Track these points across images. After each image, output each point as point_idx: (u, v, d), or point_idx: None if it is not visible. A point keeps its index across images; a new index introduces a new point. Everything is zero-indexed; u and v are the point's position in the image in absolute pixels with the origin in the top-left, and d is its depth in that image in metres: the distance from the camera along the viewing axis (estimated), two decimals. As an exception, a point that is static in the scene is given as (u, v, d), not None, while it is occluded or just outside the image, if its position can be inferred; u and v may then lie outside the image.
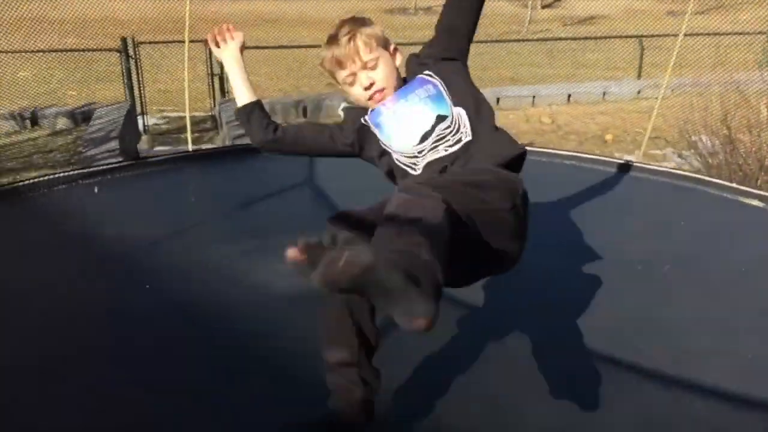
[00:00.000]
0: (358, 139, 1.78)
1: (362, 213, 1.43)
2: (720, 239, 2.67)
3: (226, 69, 1.85)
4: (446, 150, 1.64)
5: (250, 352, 1.91)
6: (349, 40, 1.69)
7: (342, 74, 1.74)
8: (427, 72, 1.73)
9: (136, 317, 2.08)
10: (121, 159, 5.52)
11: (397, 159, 1.70)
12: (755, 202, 2.88)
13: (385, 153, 1.74)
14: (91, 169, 2.85)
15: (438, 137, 1.65)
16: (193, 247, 2.54)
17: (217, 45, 1.85)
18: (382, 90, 1.72)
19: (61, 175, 2.77)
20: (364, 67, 1.71)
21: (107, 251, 2.44)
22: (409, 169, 1.68)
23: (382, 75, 1.71)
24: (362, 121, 1.76)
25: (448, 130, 1.64)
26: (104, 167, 2.91)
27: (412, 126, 1.66)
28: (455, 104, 1.68)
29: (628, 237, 2.65)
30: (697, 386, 1.76)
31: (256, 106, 1.80)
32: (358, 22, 1.74)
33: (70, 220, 2.59)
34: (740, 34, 9.64)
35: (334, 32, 1.73)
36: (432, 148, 1.64)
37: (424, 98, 1.69)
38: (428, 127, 1.65)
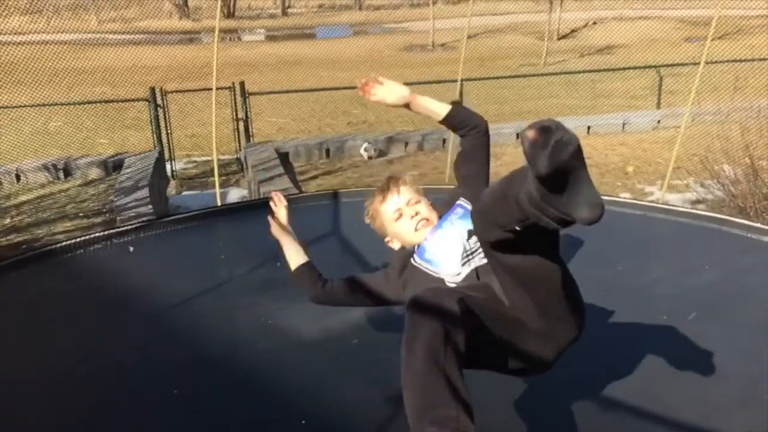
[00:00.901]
0: (404, 282, 1.90)
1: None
2: (743, 285, 2.65)
3: (280, 241, 2.08)
4: (480, 261, 1.76)
5: (287, 401, 1.99)
6: (395, 184, 1.97)
7: (389, 212, 1.96)
8: (460, 199, 1.93)
9: (173, 372, 2.17)
10: (151, 207, 5.68)
11: (448, 283, 1.80)
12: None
13: (436, 281, 1.81)
14: (123, 228, 2.96)
15: (470, 251, 1.79)
16: (226, 301, 2.63)
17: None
18: (426, 219, 1.93)
19: (96, 235, 2.89)
20: (408, 202, 1.95)
21: (142, 309, 2.54)
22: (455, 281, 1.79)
23: (425, 208, 1.95)
24: (412, 261, 1.90)
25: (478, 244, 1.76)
26: (136, 224, 3.03)
27: (450, 247, 1.82)
28: None
29: (651, 283, 2.66)
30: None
31: (306, 266, 2.02)
32: (399, 177, 2.01)
33: (104, 279, 2.70)
34: (758, 60, 9.63)
35: (380, 185, 2.01)
36: (465, 262, 1.78)
37: (455, 221, 1.87)
38: (461, 245, 1.80)
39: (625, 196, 6.50)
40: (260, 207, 3.58)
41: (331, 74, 14.36)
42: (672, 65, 10.04)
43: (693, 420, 1.84)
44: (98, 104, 9.34)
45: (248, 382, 2.13)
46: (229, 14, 25.98)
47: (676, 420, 1.85)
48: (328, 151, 8.45)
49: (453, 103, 2.06)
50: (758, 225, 3.21)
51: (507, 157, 8.12)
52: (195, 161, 8.66)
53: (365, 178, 7.58)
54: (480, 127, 2.01)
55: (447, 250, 1.82)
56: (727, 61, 8.65)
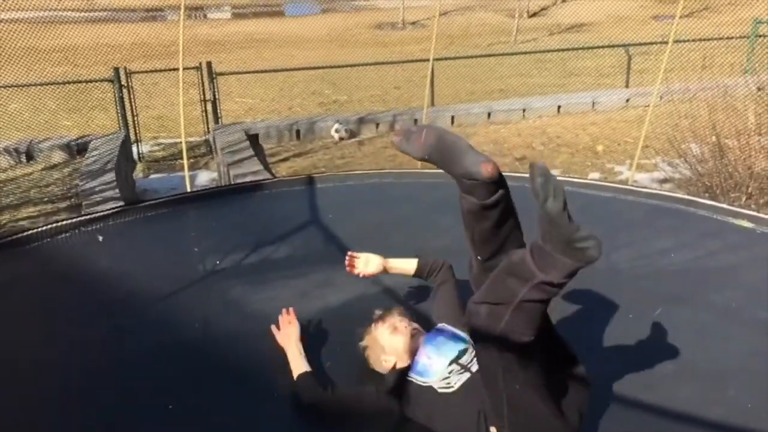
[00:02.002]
0: (400, 401, 1.97)
1: None
2: (709, 273, 2.68)
3: (287, 352, 2.16)
4: (468, 375, 1.90)
5: (260, 386, 2.00)
6: (388, 310, 2.18)
7: (385, 328, 2.09)
8: (441, 324, 2.17)
9: (145, 359, 2.15)
10: (117, 191, 5.56)
11: (437, 388, 1.91)
12: (745, 223, 2.93)
13: (427, 392, 1.92)
14: (92, 216, 2.89)
15: (463, 364, 1.93)
16: (199, 287, 2.60)
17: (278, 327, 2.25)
18: (416, 329, 2.12)
19: (63, 223, 2.81)
20: (402, 318, 2.14)
21: (112, 298, 2.50)
22: (446, 390, 1.90)
23: (416, 325, 2.15)
24: (408, 378, 1.99)
25: (470, 356, 1.94)
26: (105, 212, 2.96)
27: (441, 358, 1.97)
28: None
29: (615, 274, 2.67)
30: None
31: (308, 373, 2.08)
32: (392, 308, 2.21)
33: (73, 268, 2.64)
34: (725, 39, 9.75)
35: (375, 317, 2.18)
36: (456, 371, 1.92)
37: (445, 340, 2.04)
38: (452, 356, 1.96)
39: (594, 176, 6.57)
40: (232, 192, 3.55)
41: (301, 53, 14.18)
42: (641, 44, 10.12)
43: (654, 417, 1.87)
44: (60, 85, 9.08)
45: (221, 368, 2.15)
46: (195, -9, 25.35)
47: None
48: (298, 132, 8.36)
49: (417, 256, 2.44)
50: (724, 206, 3.27)
51: (478, 137, 8.14)
52: (162, 143, 8.49)
53: (336, 159, 7.52)
54: (444, 266, 2.40)
55: (438, 361, 1.96)
56: (695, 40, 8.73)
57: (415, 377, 1.98)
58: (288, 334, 2.22)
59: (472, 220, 1.73)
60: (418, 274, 2.43)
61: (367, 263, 2.42)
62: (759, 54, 9.21)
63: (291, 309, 2.31)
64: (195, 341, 2.29)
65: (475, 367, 1.87)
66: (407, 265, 2.44)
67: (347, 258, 2.44)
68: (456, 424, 1.82)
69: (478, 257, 1.78)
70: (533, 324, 1.59)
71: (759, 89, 6.49)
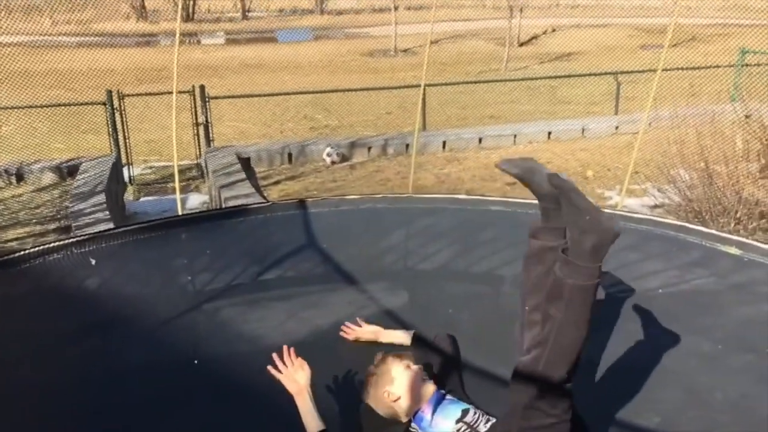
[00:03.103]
0: None
1: None
2: (698, 306, 2.67)
3: (297, 400, 1.99)
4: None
5: (250, 407, 1.97)
6: (403, 353, 2.16)
7: (399, 365, 2.06)
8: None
9: (134, 378, 2.13)
10: (108, 213, 5.54)
11: None
12: (733, 250, 2.94)
13: None
14: (82, 237, 2.87)
15: (471, 422, 1.97)
16: (187, 308, 2.58)
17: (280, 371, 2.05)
18: (427, 377, 2.10)
19: (52, 245, 2.80)
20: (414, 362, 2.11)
21: (101, 318, 2.48)
22: None
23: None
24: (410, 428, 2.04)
25: (474, 416, 1.98)
26: (96, 234, 2.94)
27: (447, 416, 1.99)
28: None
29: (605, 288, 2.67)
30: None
31: None
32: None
33: (62, 289, 2.61)
34: (712, 67, 9.92)
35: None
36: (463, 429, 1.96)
37: (450, 402, 2.06)
38: (457, 415, 1.99)
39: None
40: (224, 216, 3.53)
41: (294, 78, 14.28)
42: (630, 72, 10.27)
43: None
44: (53, 108, 9.08)
45: (211, 388, 2.13)
46: (188, 17, 25.58)
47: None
48: (290, 155, 8.39)
49: (411, 330, 2.38)
50: (714, 232, 3.28)
51: (469, 161, 8.19)
52: (153, 166, 8.49)
53: (328, 183, 7.54)
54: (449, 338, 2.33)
55: (444, 421, 1.99)
56: (683, 68, 8.88)
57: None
58: (297, 381, 1.99)
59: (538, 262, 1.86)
60: (417, 345, 2.36)
61: (363, 331, 2.40)
62: (745, 82, 9.36)
63: (292, 349, 2.07)
64: (185, 362, 2.26)
65: (482, 428, 1.91)
66: (402, 337, 2.38)
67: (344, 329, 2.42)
68: None
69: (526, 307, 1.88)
70: (569, 358, 1.67)
71: (746, 116, 6.59)
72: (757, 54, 9.78)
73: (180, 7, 5.19)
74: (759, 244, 3.02)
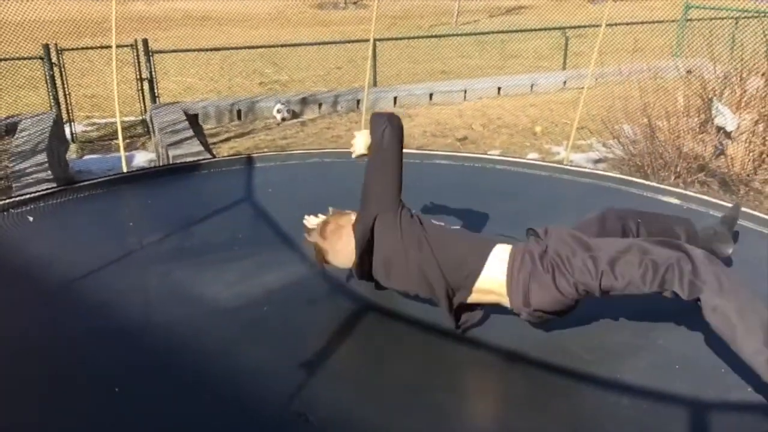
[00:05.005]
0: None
1: None
2: None
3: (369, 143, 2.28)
4: None
5: (200, 368, 1.97)
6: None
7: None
8: None
9: (81, 344, 2.10)
10: (50, 173, 5.37)
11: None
12: (673, 200, 3.06)
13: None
14: (25, 197, 2.79)
15: None
16: (135, 269, 2.56)
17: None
18: None
19: (-7, 204, 2.71)
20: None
21: (46, 282, 2.43)
22: None
23: None
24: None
25: None
26: (38, 194, 2.86)
27: None
28: None
29: None
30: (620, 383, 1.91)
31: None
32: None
33: (3, 251, 2.55)
34: (656, 22, 10.09)
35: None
36: None
37: None
38: None
39: (533, 156, 6.73)
40: (171, 172, 3.48)
41: (241, 32, 13.89)
42: (577, 27, 10.36)
43: (590, 364, 1.97)
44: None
45: (162, 350, 2.10)
46: (129, -35, 24.40)
47: (576, 368, 1.97)
48: (239, 112, 8.23)
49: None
50: (654, 184, 3.42)
51: (420, 117, 8.20)
52: (96, 123, 8.22)
53: (279, 140, 7.45)
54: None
55: None
56: (628, 23, 9.01)
57: None
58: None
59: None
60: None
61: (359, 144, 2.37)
62: (688, 38, 9.56)
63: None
64: (135, 324, 2.24)
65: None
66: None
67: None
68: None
69: None
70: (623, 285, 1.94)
71: (688, 72, 6.75)
72: (701, 9, 9.95)
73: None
74: (697, 194, 3.17)
